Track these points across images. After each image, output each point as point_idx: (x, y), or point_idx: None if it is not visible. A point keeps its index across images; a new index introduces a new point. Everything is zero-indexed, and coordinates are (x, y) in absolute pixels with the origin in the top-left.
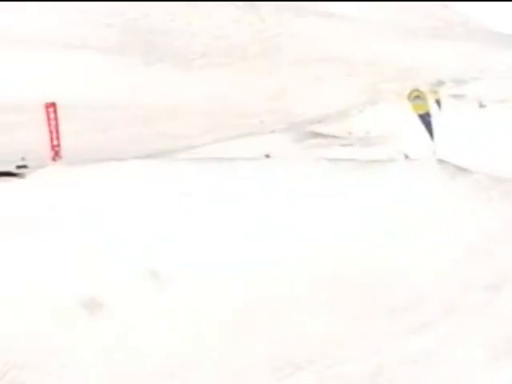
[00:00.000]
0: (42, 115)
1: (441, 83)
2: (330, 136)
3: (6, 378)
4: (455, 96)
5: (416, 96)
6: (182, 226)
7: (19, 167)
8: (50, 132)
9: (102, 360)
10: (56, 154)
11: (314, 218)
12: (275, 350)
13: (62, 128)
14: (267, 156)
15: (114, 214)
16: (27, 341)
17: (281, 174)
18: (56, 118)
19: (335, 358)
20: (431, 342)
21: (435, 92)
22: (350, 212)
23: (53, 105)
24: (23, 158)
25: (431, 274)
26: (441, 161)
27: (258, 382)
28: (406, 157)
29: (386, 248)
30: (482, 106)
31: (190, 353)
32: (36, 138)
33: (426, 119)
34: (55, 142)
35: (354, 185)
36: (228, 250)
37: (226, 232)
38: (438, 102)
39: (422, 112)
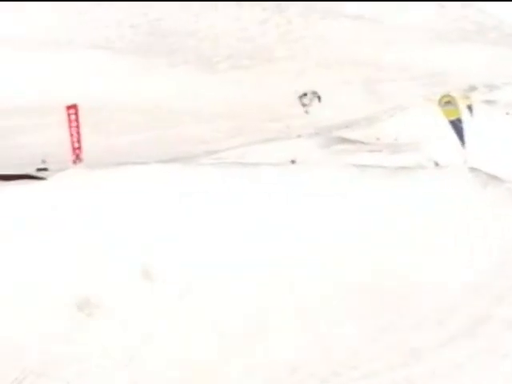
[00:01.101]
0: (63, 117)
1: (473, 88)
2: (357, 142)
3: None
4: (488, 102)
5: (447, 101)
6: (204, 231)
7: (40, 170)
8: (71, 134)
9: (121, 367)
10: (77, 157)
11: (339, 225)
12: (298, 359)
13: (84, 131)
14: (293, 161)
15: (134, 217)
16: (41, 346)
17: (306, 180)
18: (77, 121)
19: (361, 371)
20: (459, 354)
21: (467, 97)
22: (377, 220)
23: (74, 107)
24: (44, 161)
25: (460, 285)
26: (472, 169)
27: None
28: (436, 164)
29: (414, 257)
30: None
31: (202, 359)
32: (57, 141)
33: (457, 125)
34: (76, 145)
35: (382, 192)
36: (247, 254)
37: (249, 237)
38: (469, 108)
39: (453, 118)
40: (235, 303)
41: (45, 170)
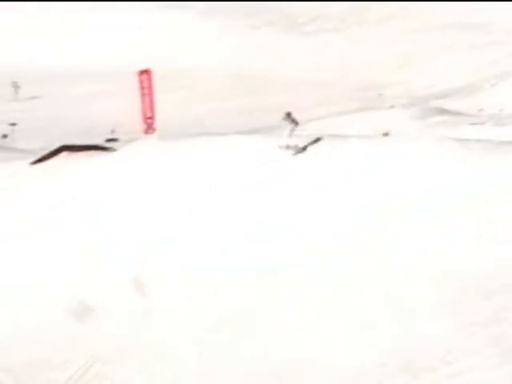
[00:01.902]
0: (134, 84)
1: None
2: (457, 113)
3: (91, 372)
4: None
5: None
6: (288, 208)
7: (109, 140)
8: (143, 102)
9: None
10: (149, 127)
11: (438, 205)
12: (387, 353)
13: (157, 98)
14: (386, 134)
15: (211, 191)
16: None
17: (400, 155)
18: (150, 87)
19: (456, 367)
20: None
21: None
22: (479, 198)
23: (147, 72)
24: (113, 131)
25: None
26: None
27: None
28: None
29: None
30: None
31: (287, 358)
32: (128, 109)
33: None
34: (148, 114)
35: (485, 169)
36: (333, 230)
37: (337, 214)
38: None
39: None
40: (310, 297)
41: (114, 140)
